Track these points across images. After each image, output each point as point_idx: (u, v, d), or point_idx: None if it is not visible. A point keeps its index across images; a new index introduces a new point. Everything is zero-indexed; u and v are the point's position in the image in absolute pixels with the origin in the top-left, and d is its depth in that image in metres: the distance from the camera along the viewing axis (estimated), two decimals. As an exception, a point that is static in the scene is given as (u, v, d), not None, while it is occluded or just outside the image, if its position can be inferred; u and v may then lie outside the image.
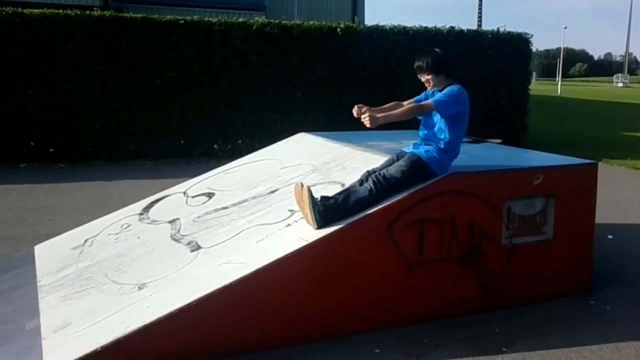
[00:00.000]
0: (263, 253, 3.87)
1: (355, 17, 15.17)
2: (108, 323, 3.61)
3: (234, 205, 4.88)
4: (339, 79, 11.40)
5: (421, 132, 4.45)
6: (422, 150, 4.26)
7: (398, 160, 4.31)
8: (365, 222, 3.95)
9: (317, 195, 4.05)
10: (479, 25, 25.12)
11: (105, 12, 10.22)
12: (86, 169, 9.68)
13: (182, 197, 5.46)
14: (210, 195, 5.29)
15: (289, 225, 4.19)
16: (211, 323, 3.60)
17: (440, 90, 4.33)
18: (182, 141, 10.60)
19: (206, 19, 10.76)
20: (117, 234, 5.03)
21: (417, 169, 4.16)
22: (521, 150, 5.81)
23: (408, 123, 8.84)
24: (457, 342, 3.96)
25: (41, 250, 5.17)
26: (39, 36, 9.57)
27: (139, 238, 4.81)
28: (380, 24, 11.95)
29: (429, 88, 4.43)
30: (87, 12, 9.98)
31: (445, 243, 4.19)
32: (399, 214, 4.03)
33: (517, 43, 12.94)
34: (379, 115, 4.09)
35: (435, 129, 4.32)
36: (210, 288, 3.61)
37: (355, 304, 4.00)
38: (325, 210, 3.94)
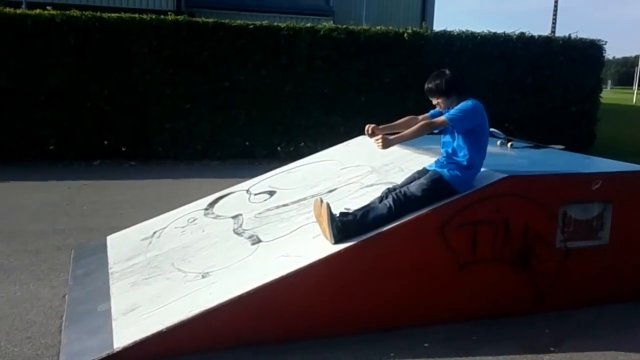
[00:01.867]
0: (319, 248, 4.02)
1: (424, 23, 15.11)
2: (173, 307, 3.84)
3: (294, 202, 5.06)
4: (403, 84, 11.44)
5: (442, 149, 4.42)
6: (444, 168, 4.24)
7: (419, 177, 4.30)
8: (419, 221, 4.05)
9: (337, 211, 4.12)
10: (553, 32, 24.44)
11: (179, 17, 10.61)
12: (155, 167, 10.10)
13: (245, 195, 5.68)
14: (271, 193, 5.49)
15: (345, 222, 4.32)
16: (268, 310, 3.78)
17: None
18: (246, 142, 10.89)
19: (275, 24, 11.01)
20: (183, 227, 5.29)
21: (438, 187, 4.14)
22: (582, 156, 5.74)
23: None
24: (505, 340, 4.00)
25: (113, 240, 5.50)
26: (115, 39, 10.05)
27: (203, 231, 5.05)
28: (448, 29, 11.94)
29: (439, 109, 4.43)
30: (162, 16, 10.41)
31: (497, 244, 4.23)
32: (453, 215, 4.10)
33: (589, 50, 12.62)
34: (391, 137, 4.12)
35: (455, 146, 4.29)
36: (268, 278, 3.79)
37: (406, 299, 4.09)
38: (343, 226, 3.99)
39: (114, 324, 3.86)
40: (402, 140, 4.19)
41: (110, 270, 4.75)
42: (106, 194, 7.99)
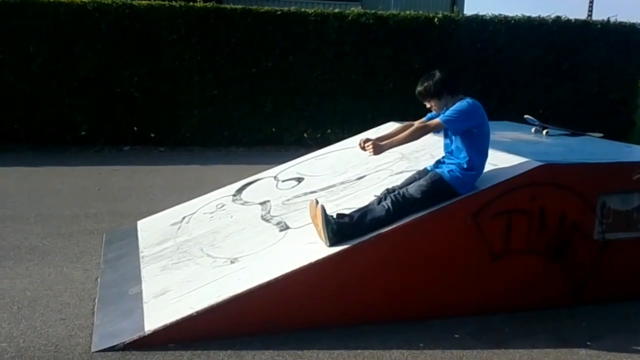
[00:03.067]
0: (348, 235, 4.02)
1: (455, 7, 14.83)
2: (202, 292, 3.89)
3: (322, 189, 5.07)
4: (433, 70, 11.27)
5: (444, 151, 4.33)
6: (445, 169, 4.13)
7: (420, 178, 4.21)
8: (451, 209, 4.01)
9: (348, 207, 4.12)
10: (590, 16, 23.83)
11: (207, 4, 10.62)
12: (183, 153, 10.19)
13: (273, 181, 5.71)
14: (299, 179, 5.50)
15: (374, 210, 4.31)
16: (296, 297, 3.80)
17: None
18: (273, 129, 10.91)
19: (303, 9, 10.96)
20: (212, 212, 5.34)
21: (438, 189, 4.04)
22: (622, 144, 5.59)
23: (505, 114, 8.70)
24: (539, 333, 3.96)
25: (143, 225, 5.58)
26: (145, 26, 10.12)
27: (232, 217, 5.09)
28: (480, 13, 11.74)
29: (434, 111, 4.31)
30: (191, 3, 10.44)
31: (532, 235, 4.16)
32: (486, 203, 4.04)
33: (629, 34, 12.22)
34: (382, 143, 4.04)
35: (454, 148, 4.20)
36: (297, 265, 3.81)
37: (438, 289, 4.07)
38: (338, 228, 3.91)
39: (144, 307, 3.92)
40: (394, 145, 4.08)
41: (141, 254, 4.83)
42: (136, 179, 8.09)
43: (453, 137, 4.21)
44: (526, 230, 4.15)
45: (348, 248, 3.87)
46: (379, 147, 4.02)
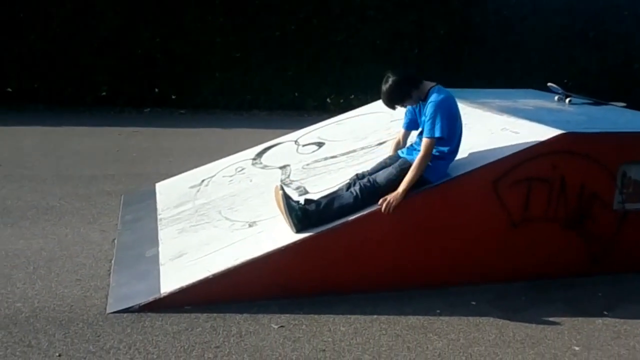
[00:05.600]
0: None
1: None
2: (220, 255, 3.87)
3: (343, 154, 4.99)
4: (458, 36, 11.11)
5: (417, 138, 4.15)
6: (415, 157, 3.95)
7: (390, 164, 4.07)
8: (471, 177, 3.93)
9: (318, 191, 4.02)
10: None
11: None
12: (204, 116, 10.12)
13: (293, 145, 5.63)
14: (320, 144, 5.42)
15: (395, 175, 4.23)
16: (313, 261, 3.77)
17: (424, 100, 3.99)
18: (296, 94, 10.80)
19: (327, -29, 10.77)
20: (231, 176, 5.29)
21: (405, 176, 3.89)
22: (646, 114, 5.45)
23: (528, 83, 8.50)
24: (556, 302, 3.92)
25: (162, 187, 5.55)
26: (167, -15, 10.01)
27: (251, 181, 5.04)
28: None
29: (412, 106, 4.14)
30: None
31: (552, 203, 4.10)
32: (507, 171, 3.97)
33: (658, 2, 11.94)
34: (399, 190, 3.81)
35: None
36: (320, 228, 3.76)
37: (455, 256, 4.02)
38: (303, 215, 3.82)
39: (161, 269, 3.91)
40: (409, 186, 3.82)
41: (158, 217, 4.81)
42: (156, 141, 8.07)
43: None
44: (546, 199, 4.09)
45: (368, 213, 3.80)
46: (397, 196, 3.80)
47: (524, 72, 11.07)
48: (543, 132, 4.14)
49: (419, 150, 3.94)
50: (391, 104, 4.03)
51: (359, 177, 4.06)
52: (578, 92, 6.89)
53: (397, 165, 4.00)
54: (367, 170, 4.14)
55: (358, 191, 3.88)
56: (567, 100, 5.64)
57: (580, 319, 3.73)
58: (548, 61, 11.56)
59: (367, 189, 3.89)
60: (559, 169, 4.07)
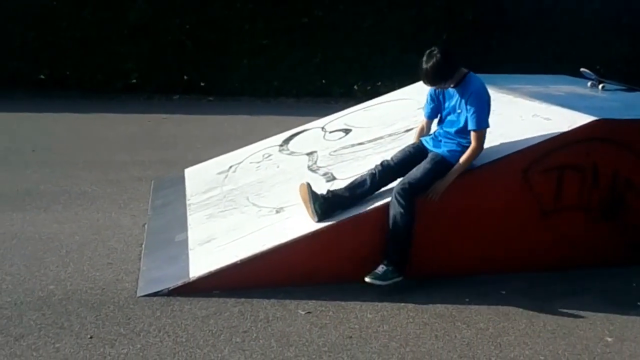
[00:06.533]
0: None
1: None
2: (247, 240, 3.89)
3: (370, 141, 4.96)
4: (488, 22, 10.94)
5: (442, 129, 4.04)
6: (444, 149, 3.92)
7: (413, 151, 4.00)
8: (501, 164, 3.89)
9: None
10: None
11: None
12: (232, 103, 10.15)
13: (320, 132, 5.63)
14: (347, 131, 5.40)
15: (423, 162, 4.20)
16: (341, 248, 3.77)
17: (456, 86, 3.88)
18: (323, 80, 10.77)
19: (356, -43, 10.68)
20: (258, 162, 5.31)
21: (441, 169, 3.85)
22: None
23: (561, 69, 8.34)
24: (589, 292, 3.86)
25: (190, 173, 5.60)
26: (197, -27, 10.05)
27: (278, 167, 5.06)
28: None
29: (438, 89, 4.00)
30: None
31: (585, 192, 4.03)
32: (538, 158, 3.92)
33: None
34: (449, 179, 3.80)
35: (461, 128, 3.91)
36: (343, 215, 3.76)
37: (484, 244, 3.98)
38: (328, 204, 3.81)
39: (190, 253, 3.96)
40: (457, 173, 3.81)
41: (187, 202, 4.86)
42: (184, 128, 8.14)
43: (465, 119, 3.90)
44: (578, 187, 4.03)
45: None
46: (441, 187, 3.81)
47: (556, 58, 10.86)
48: (576, 119, 4.06)
49: (444, 142, 3.92)
50: (434, 81, 3.87)
51: (383, 166, 3.95)
52: (611, 78, 6.76)
53: (430, 160, 3.90)
54: (392, 159, 4.02)
55: (401, 199, 3.73)
56: (600, 86, 5.53)
57: (613, 309, 3.66)
58: (581, 47, 11.32)
59: (408, 192, 3.76)
60: (591, 156, 4.00)
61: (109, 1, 9.82)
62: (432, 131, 4.17)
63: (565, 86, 5.57)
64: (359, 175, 3.98)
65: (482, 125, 3.82)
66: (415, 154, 4.00)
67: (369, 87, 10.66)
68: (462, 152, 3.87)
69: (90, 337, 3.13)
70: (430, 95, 4.08)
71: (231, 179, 5.12)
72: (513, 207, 3.95)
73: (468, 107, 3.83)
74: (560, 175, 3.98)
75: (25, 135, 7.33)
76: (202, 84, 10.48)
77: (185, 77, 10.40)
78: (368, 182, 3.90)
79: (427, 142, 4.06)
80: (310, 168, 4.80)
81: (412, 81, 6.45)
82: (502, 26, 11.02)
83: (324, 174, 4.58)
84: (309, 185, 3.88)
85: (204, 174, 5.44)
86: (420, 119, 4.86)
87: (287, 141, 5.63)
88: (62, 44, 9.80)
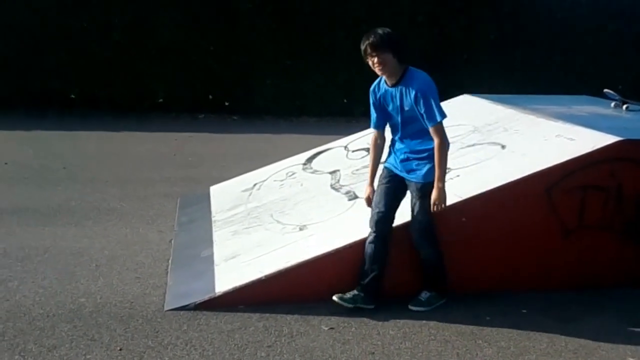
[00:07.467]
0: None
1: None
2: (272, 257, 3.97)
3: (393, 160, 5.01)
4: (509, 41, 11.02)
5: (401, 141, 3.77)
6: (420, 172, 3.68)
7: (392, 187, 3.76)
8: (523, 184, 3.91)
9: None
10: (676, -13, 22.48)
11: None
12: (255, 122, 10.33)
13: (343, 151, 5.71)
14: (369, 150, 5.46)
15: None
16: (363, 265, 3.79)
17: (397, 83, 3.66)
18: (345, 100, 10.88)
19: (377, -21, 10.86)
20: (282, 180, 5.41)
21: (431, 192, 3.65)
22: None
23: (583, 89, 8.35)
24: (610, 312, 3.86)
25: (215, 191, 5.71)
26: (222, -4, 10.29)
27: (301, 185, 5.14)
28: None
29: (381, 73, 3.69)
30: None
31: (608, 212, 4.03)
32: (561, 177, 3.93)
33: None
34: (440, 187, 3.61)
35: (424, 136, 3.68)
36: (365, 233, 3.80)
37: (506, 263, 4.00)
38: (366, 295, 3.69)
39: (216, 269, 4.04)
40: (443, 178, 3.62)
41: (213, 219, 4.96)
42: (210, 146, 8.30)
43: (416, 119, 3.65)
44: (602, 207, 4.03)
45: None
46: (443, 197, 3.63)
47: (578, 78, 10.91)
48: (599, 139, 4.06)
49: (416, 161, 3.70)
50: (381, 44, 3.58)
51: (379, 223, 3.70)
52: (633, 97, 6.76)
53: (418, 194, 3.69)
54: (380, 209, 3.73)
55: (424, 243, 3.70)
56: (624, 106, 5.54)
57: (635, 330, 3.65)
58: (603, 66, 11.32)
59: (425, 236, 3.70)
60: (616, 176, 4.00)
61: (138, 24, 10.08)
62: (387, 141, 3.94)
63: (587, 106, 5.60)
64: (366, 247, 3.72)
65: (438, 118, 3.59)
66: (396, 188, 3.78)
67: (390, 107, 10.76)
68: (432, 162, 3.65)
69: (120, 349, 3.21)
70: (373, 104, 3.85)
71: (255, 196, 5.22)
72: (536, 226, 3.97)
73: (419, 105, 3.59)
74: (584, 195, 3.99)
75: (56, 152, 7.55)
76: (226, 103, 10.69)
77: (210, 97, 10.61)
78: (380, 245, 3.70)
79: (396, 168, 3.80)
80: (333, 186, 4.87)
81: (435, 101, 6.53)
82: (523, 46, 11.08)
83: (347, 193, 4.65)
84: (340, 297, 3.67)
85: (229, 192, 5.55)
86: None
87: (310, 160, 5.71)
88: (92, 65, 10.09)
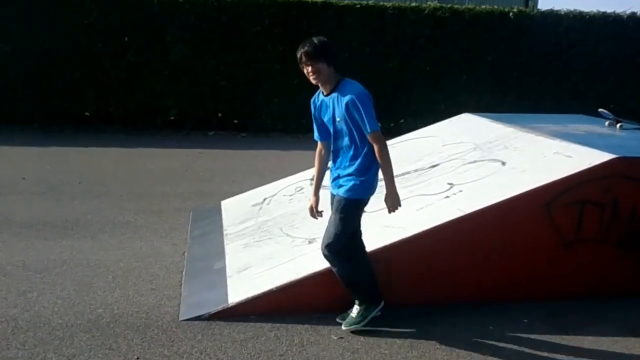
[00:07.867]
0: (422, 220, 4.15)
1: (529, 2, 14.80)
2: (282, 269, 4.11)
3: (397, 176, 5.06)
4: (506, 63, 11.33)
5: (336, 161, 3.73)
6: (344, 189, 3.63)
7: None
8: (524, 198, 4.04)
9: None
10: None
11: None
12: (264, 139, 10.54)
13: (350, 167, 5.84)
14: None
15: (447, 197, 4.41)
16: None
17: (330, 92, 3.65)
18: (350, 118, 11.06)
19: (381, 3, 11.15)
20: (291, 195, 5.56)
21: (350, 208, 3.62)
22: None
23: (577, 108, 8.53)
24: (608, 322, 3.96)
25: (227, 205, 5.88)
26: (231, 18, 10.53)
27: (310, 200, 5.28)
28: (555, 8, 11.71)
29: (315, 82, 3.66)
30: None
31: (604, 225, 4.15)
32: (560, 192, 4.06)
33: None
34: (390, 190, 3.62)
35: (353, 152, 3.62)
36: (371, 247, 3.95)
37: (509, 274, 4.12)
38: (366, 309, 3.69)
39: (228, 280, 4.18)
40: (392, 180, 3.63)
41: (224, 232, 5.11)
42: (220, 162, 8.49)
43: (347, 130, 3.60)
44: (599, 220, 4.15)
45: (424, 231, 3.99)
46: (396, 198, 3.63)
47: (572, 97, 11.27)
48: (596, 157, 4.20)
49: (339, 179, 3.69)
50: (315, 53, 3.59)
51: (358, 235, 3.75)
52: (625, 116, 6.93)
53: (335, 209, 3.70)
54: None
55: (331, 258, 3.66)
56: (618, 125, 5.68)
57: (632, 339, 3.75)
58: (596, 87, 11.61)
59: (334, 251, 3.63)
60: (611, 192, 4.13)
61: (151, 44, 10.34)
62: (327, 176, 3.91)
63: (583, 125, 5.74)
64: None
65: (374, 126, 3.53)
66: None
67: (392, 124, 10.94)
68: (365, 175, 3.63)
69: (137, 358, 3.31)
70: (313, 115, 3.83)
71: (266, 210, 5.37)
72: (536, 239, 4.09)
73: (353, 114, 3.55)
74: (581, 209, 4.11)
75: (73, 168, 7.75)
76: (235, 120, 10.92)
77: (220, 115, 10.84)
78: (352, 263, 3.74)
79: (333, 189, 3.80)
80: (340, 201, 5.01)
81: (435, 119, 6.73)
82: (519, 67, 11.38)
83: (354, 207, 4.78)
84: (348, 323, 3.73)
85: (240, 206, 5.70)
86: (446, 154, 5.04)
87: (318, 175, 5.85)
88: (107, 83, 10.35)
